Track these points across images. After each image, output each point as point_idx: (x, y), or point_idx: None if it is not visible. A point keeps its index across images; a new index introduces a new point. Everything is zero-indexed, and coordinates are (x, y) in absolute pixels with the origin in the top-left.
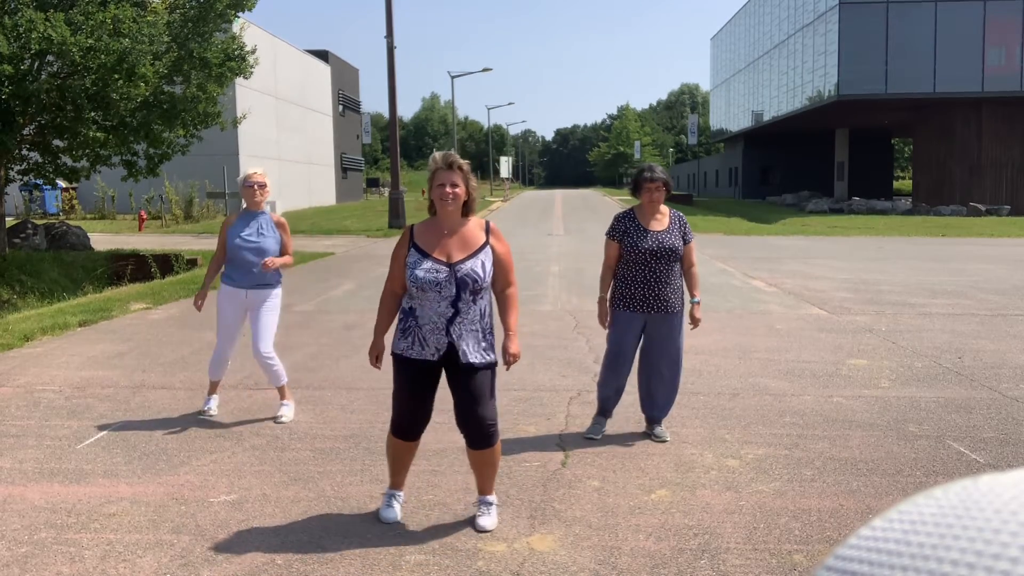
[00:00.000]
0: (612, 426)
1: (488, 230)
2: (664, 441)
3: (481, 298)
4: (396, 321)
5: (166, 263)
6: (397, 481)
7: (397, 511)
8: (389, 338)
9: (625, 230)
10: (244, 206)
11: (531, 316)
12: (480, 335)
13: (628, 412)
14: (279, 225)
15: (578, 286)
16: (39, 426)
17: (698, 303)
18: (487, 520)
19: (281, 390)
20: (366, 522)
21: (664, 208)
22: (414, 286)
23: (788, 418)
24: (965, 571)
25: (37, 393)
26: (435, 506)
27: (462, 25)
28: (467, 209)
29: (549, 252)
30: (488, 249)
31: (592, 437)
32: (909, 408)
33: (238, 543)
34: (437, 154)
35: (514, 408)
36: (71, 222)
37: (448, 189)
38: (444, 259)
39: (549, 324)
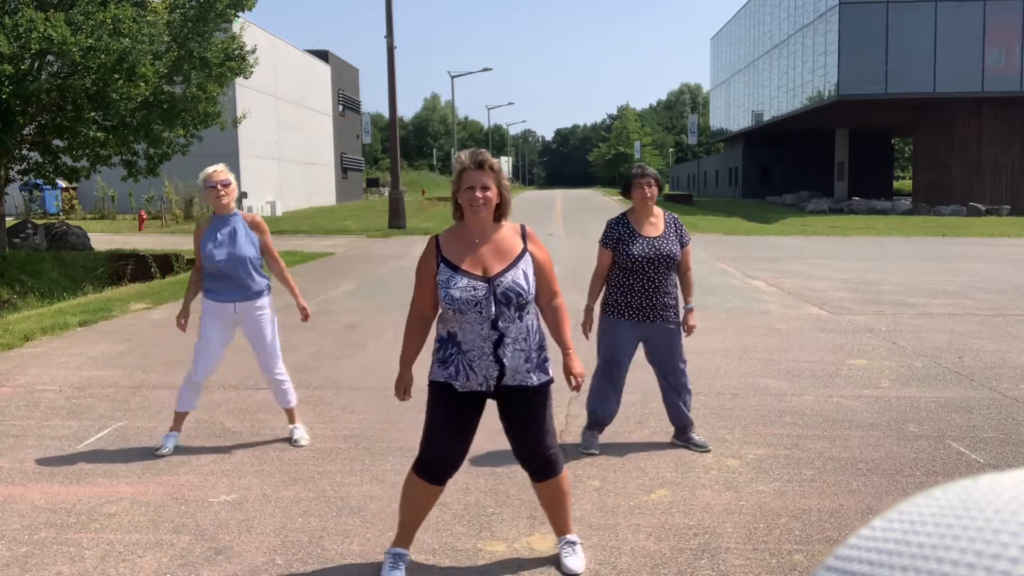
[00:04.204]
0: (612, 426)
1: (524, 235)
2: (707, 450)
3: (527, 313)
4: (434, 351)
5: (166, 263)
6: (406, 535)
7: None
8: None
9: (619, 237)
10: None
11: None
12: (529, 353)
13: (628, 412)
14: (254, 225)
15: (579, 286)
16: (39, 426)
17: (691, 310)
18: (574, 561)
19: (290, 412)
20: (366, 522)
21: (658, 211)
22: (451, 308)
23: (788, 418)
24: (965, 571)
25: (37, 393)
26: (435, 506)
27: (462, 25)
28: (499, 213)
29: (549, 252)
30: (528, 257)
31: (592, 453)
32: (909, 408)
33: (238, 543)
34: (464, 153)
35: None
36: (71, 222)
37: (479, 193)
38: (480, 273)
39: None
